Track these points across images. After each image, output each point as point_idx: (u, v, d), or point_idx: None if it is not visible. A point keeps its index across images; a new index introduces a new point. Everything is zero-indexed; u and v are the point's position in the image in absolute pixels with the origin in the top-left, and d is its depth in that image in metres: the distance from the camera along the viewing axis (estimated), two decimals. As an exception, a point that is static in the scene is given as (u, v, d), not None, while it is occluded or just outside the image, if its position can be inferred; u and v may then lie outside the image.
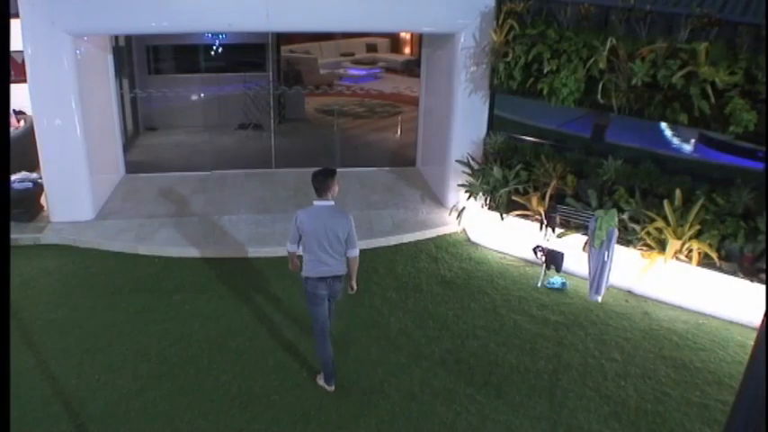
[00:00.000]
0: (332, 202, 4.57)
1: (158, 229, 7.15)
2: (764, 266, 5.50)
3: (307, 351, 5.20)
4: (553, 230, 6.43)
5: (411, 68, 15.25)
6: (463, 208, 7.34)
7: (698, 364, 5.17)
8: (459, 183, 7.41)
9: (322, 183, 4.54)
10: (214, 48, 10.92)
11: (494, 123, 7.54)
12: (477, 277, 6.47)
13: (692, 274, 5.81)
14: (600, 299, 5.92)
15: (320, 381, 4.83)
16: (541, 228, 6.47)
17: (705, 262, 5.74)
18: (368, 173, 9.16)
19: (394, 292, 6.13)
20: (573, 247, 6.27)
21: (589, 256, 5.91)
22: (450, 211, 7.55)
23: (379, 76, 16.05)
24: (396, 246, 7.10)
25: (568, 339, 5.48)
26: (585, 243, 6.06)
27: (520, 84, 6.66)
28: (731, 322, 5.73)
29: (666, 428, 4.49)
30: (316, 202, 4.58)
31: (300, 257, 4.67)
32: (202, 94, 10.56)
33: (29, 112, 7.79)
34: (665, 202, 5.86)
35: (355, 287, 4.84)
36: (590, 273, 5.92)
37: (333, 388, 4.77)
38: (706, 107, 5.46)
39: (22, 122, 8.63)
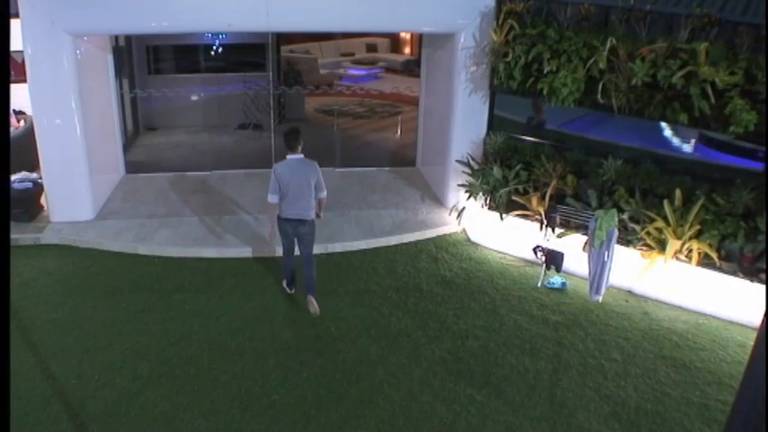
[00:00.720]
0: (302, 155, 5.48)
1: (158, 229, 7.15)
2: (764, 266, 5.50)
3: (307, 351, 5.21)
4: (553, 230, 6.43)
5: (411, 68, 15.25)
6: (463, 208, 7.34)
7: (698, 364, 5.17)
8: (459, 183, 7.41)
9: (293, 139, 5.44)
10: (214, 48, 10.92)
11: (494, 123, 7.54)
12: (477, 277, 6.47)
13: (692, 274, 5.81)
14: (600, 299, 5.93)
15: (283, 284, 6.07)
16: (541, 228, 6.48)
17: (705, 262, 5.74)
18: (368, 173, 9.16)
19: (394, 292, 6.13)
20: (573, 247, 6.28)
21: (589, 256, 5.91)
22: (450, 211, 7.55)
23: (379, 76, 16.05)
24: (396, 246, 7.10)
25: (568, 339, 5.48)
26: (585, 243, 6.06)
27: (520, 84, 6.66)
28: (731, 322, 5.72)
29: (666, 428, 4.49)
30: (289, 156, 5.46)
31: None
32: (202, 94, 10.56)
33: (29, 112, 7.79)
34: (665, 202, 5.86)
35: (322, 216, 5.79)
36: (590, 273, 5.92)
37: (293, 291, 6.03)
38: (706, 107, 5.46)
39: (22, 122, 8.63)
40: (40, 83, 6.73)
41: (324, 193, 5.60)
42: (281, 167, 5.41)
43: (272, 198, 5.41)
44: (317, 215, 5.67)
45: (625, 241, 6.09)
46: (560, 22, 6.48)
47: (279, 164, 5.45)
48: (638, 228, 6.01)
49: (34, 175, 7.36)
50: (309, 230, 5.59)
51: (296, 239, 5.67)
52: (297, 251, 5.81)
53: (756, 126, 5.28)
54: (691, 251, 5.75)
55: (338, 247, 6.95)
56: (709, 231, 5.69)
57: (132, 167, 8.91)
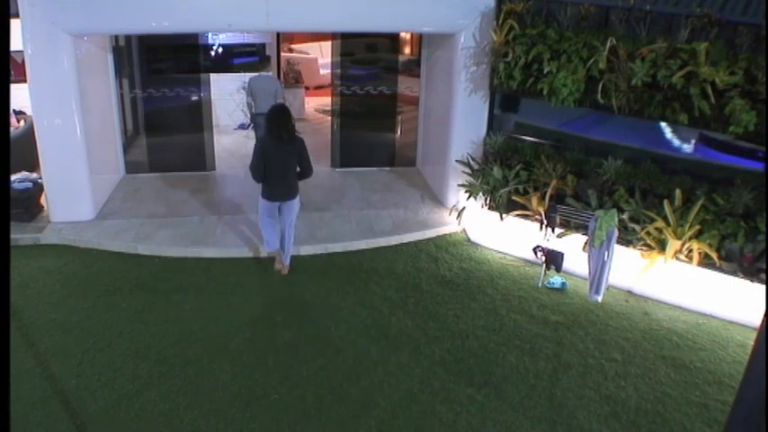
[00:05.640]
0: (270, 73, 8.59)
1: (158, 229, 7.15)
2: (764, 266, 5.50)
3: (307, 351, 5.21)
4: (553, 230, 6.43)
5: (411, 68, 15.22)
6: (463, 208, 7.34)
7: (698, 364, 5.18)
8: (460, 183, 7.41)
9: (265, 63, 8.76)
10: (214, 48, 10.92)
11: (493, 123, 7.54)
12: (477, 277, 6.48)
13: (692, 274, 5.81)
14: (600, 299, 5.93)
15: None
16: (541, 228, 6.47)
17: (705, 262, 5.74)
18: (368, 173, 9.17)
19: (394, 292, 6.13)
20: (573, 247, 6.28)
21: (589, 256, 5.92)
22: (451, 211, 7.55)
23: (379, 76, 16.00)
24: (396, 246, 7.10)
25: (568, 339, 5.48)
26: (585, 243, 6.07)
27: (520, 84, 6.66)
28: (731, 322, 5.73)
29: (666, 428, 4.49)
30: (260, 73, 8.29)
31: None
32: (203, 94, 10.56)
33: (29, 112, 7.78)
34: (665, 202, 5.86)
35: None
36: (590, 273, 5.92)
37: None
38: (706, 107, 5.46)
39: (22, 122, 8.64)
40: (40, 83, 6.72)
41: (281, 101, 7.90)
42: (252, 79, 8.09)
43: (249, 99, 8.16)
44: None
45: (625, 241, 6.09)
46: (560, 23, 6.48)
47: (252, 77, 8.13)
48: (638, 228, 6.01)
49: (34, 175, 7.35)
50: None
51: None
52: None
53: (756, 126, 5.28)
54: (691, 251, 5.75)
55: (338, 248, 6.95)
56: (709, 231, 5.69)
57: (132, 167, 8.91)
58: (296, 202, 6.09)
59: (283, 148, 5.76)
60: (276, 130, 5.69)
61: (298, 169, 5.96)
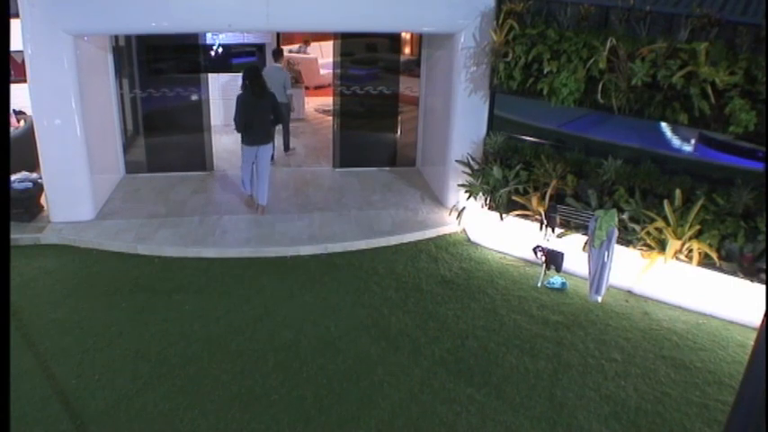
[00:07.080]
0: (280, 65, 9.45)
1: (158, 229, 7.15)
2: (764, 266, 5.50)
3: (307, 351, 5.21)
4: (553, 230, 6.43)
5: (411, 68, 15.22)
6: (463, 208, 7.34)
7: (698, 364, 5.18)
8: (460, 183, 7.41)
9: (279, 55, 9.52)
10: (214, 48, 10.92)
11: (494, 123, 7.54)
12: (477, 277, 6.48)
13: (692, 274, 5.82)
14: (600, 299, 5.93)
15: None
16: (541, 228, 6.47)
17: (705, 262, 5.74)
18: (368, 173, 9.17)
19: (394, 292, 6.13)
20: (573, 247, 6.28)
21: (589, 256, 5.92)
22: (451, 211, 7.55)
23: (379, 75, 16.00)
24: (396, 246, 7.11)
25: (568, 339, 5.48)
26: (585, 243, 6.07)
27: (520, 84, 6.66)
28: (731, 322, 5.73)
29: (666, 428, 4.49)
30: (272, 64, 9.37)
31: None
32: (203, 94, 10.57)
33: (29, 112, 7.78)
34: (665, 202, 5.87)
35: (293, 108, 10.15)
36: (590, 273, 5.92)
37: None
38: (706, 107, 5.47)
39: (22, 122, 8.63)
40: (40, 83, 6.72)
41: (290, 91, 9.25)
42: (266, 70, 8.91)
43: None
44: (290, 108, 9.55)
45: (625, 241, 6.09)
46: (560, 23, 6.48)
47: (266, 68, 9.20)
48: (638, 228, 6.01)
49: (34, 175, 7.36)
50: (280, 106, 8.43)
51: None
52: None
53: (756, 126, 5.29)
54: (691, 251, 5.75)
55: (338, 248, 6.95)
56: (709, 231, 5.69)
57: (132, 167, 8.91)
58: (269, 147, 7.58)
59: (259, 101, 7.14)
60: (254, 85, 7.09)
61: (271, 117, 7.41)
